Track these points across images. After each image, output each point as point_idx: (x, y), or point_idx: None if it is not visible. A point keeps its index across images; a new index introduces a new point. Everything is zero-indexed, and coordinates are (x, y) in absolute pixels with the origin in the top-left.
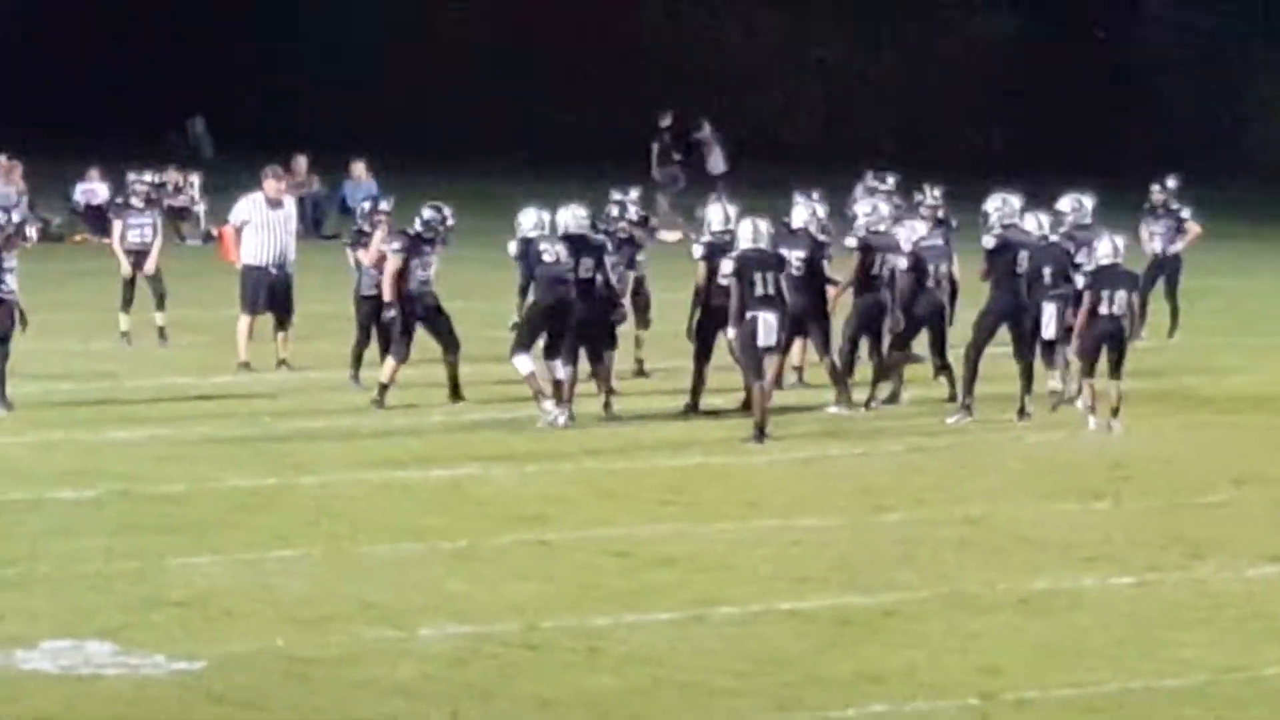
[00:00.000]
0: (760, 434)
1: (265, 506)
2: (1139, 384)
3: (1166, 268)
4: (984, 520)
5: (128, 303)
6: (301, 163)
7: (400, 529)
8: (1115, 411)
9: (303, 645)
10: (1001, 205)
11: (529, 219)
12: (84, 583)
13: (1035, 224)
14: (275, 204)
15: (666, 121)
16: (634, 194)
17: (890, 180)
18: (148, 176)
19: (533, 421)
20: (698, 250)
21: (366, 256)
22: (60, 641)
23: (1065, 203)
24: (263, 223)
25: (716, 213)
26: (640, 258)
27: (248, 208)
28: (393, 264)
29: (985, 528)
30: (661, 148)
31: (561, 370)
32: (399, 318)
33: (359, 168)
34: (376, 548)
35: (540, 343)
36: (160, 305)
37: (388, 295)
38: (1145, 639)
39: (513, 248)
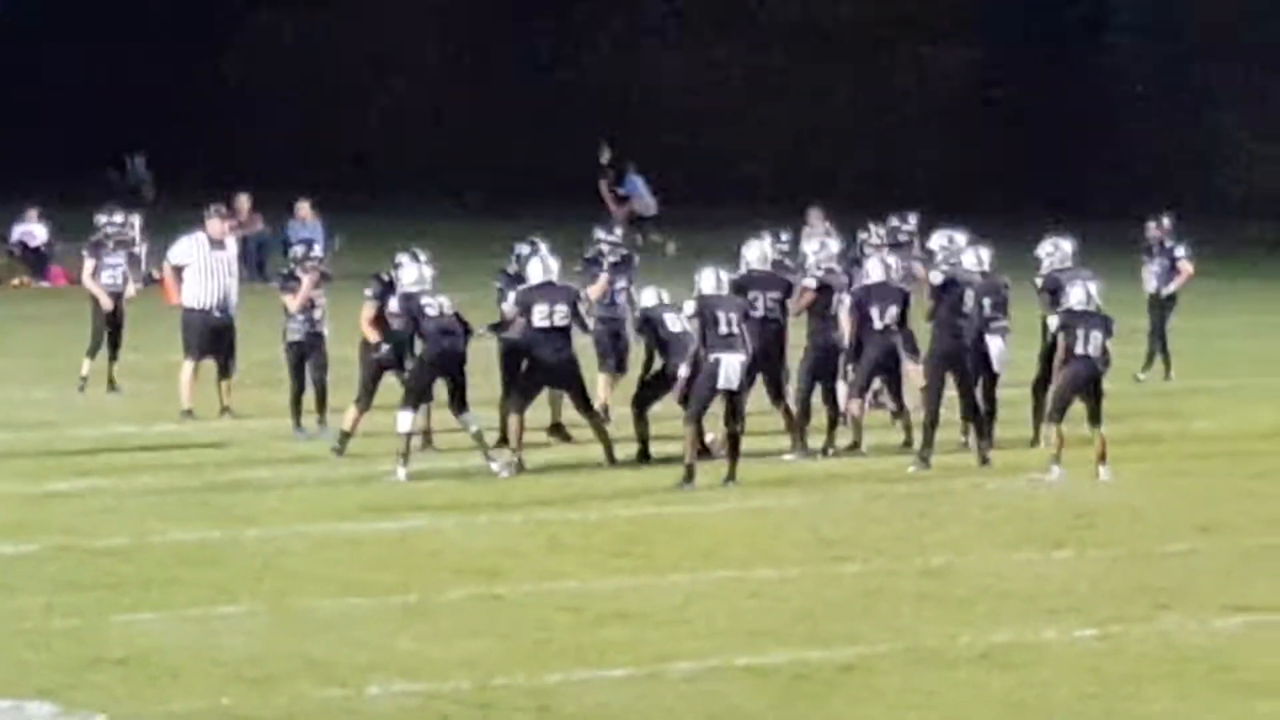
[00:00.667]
0: (689, 477)
1: (210, 561)
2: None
3: (1161, 308)
4: (945, 571)
5: (97, 347)
6: (244, 201)
7: (348, 583)
8: (1102, 457)
9: (248, 705)
10: (948, 243)
11: (410, 274)
12: (23, 640)
13: (974, 260)
14: (218, 244)
15: (606, 156)
16: (618, 232)
17: (913, 220)
18: (119, 218)
19: (481, 471)
20: (689, 307)
21: (294, 302)
22: (0, 702)
23: (1043, 247)
24: (205, 265)
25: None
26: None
27: (189, 248)
28: (367, 311)
29: (946, 579)
30: (609, 184)
31: (471, 423)
32: (372, 363)
33: (304, 208)
34: (323, 603)
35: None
36: (115, 354)
37: (372, 338)
38: (1110, 694)
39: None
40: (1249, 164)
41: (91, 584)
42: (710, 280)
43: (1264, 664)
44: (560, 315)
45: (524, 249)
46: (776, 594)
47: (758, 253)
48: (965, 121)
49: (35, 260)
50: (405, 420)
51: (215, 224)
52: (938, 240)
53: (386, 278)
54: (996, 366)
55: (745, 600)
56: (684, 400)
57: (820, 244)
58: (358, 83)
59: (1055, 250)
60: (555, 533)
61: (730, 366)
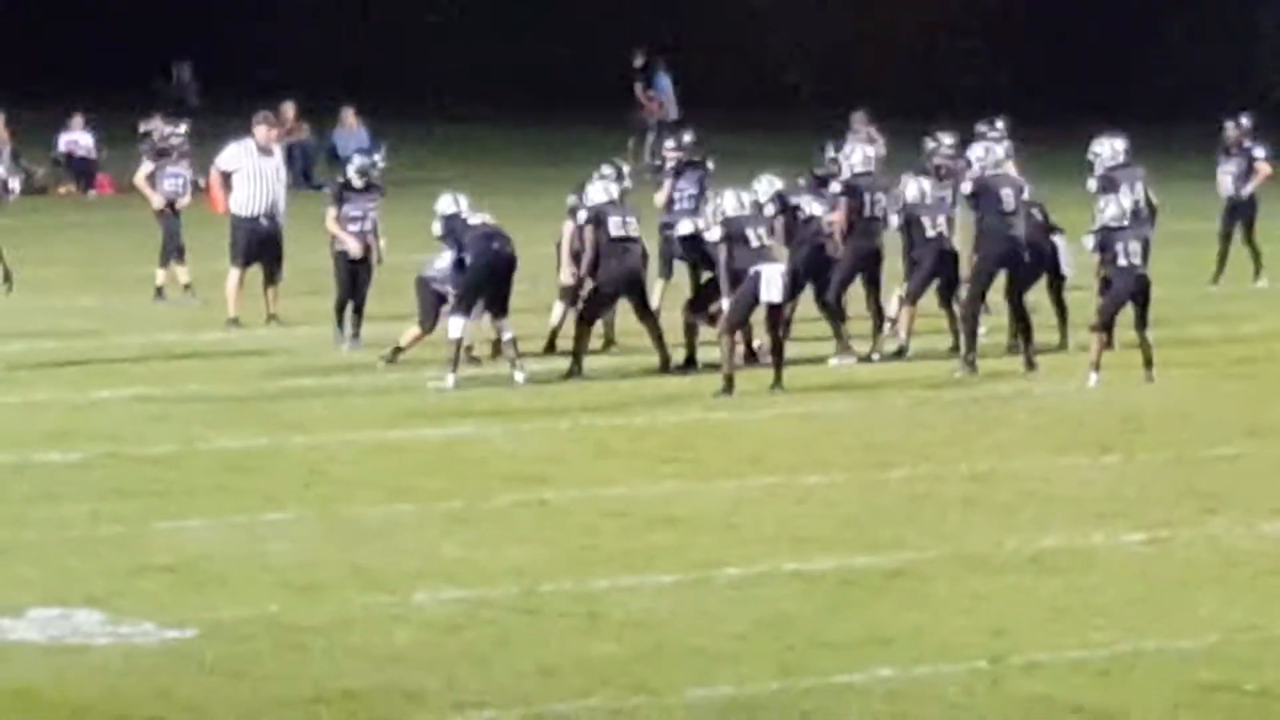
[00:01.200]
0: (729, 387)
1: (256, 469)
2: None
3: (1240, 210)
4: (991, 476)
5: (170, 254)
6: (289, 109)
7: (394, 490)
8: (1149, 362)
9: (295, 612)
10: (984, 154)
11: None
12: (70, 549)
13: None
14: (267, 152)
15: (640, 61)
16: (686, 139)
17: (1000, 125)
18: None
19: (530, 377)
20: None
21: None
22: (48, 610)
23: (1099, 145)
24: (254, 171)
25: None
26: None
27: (239, 154)
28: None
29: (992, 484)
30: (642, 87)
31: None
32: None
33: (349, 115)
34: (370, 510)
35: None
36: (182, 258)
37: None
38: (1158, 598)
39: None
40: None
41: (137, 491)
42: (732, 202)
43: None
44: (632, 226)
45: (608, 170)
46: (823, 500)
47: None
48: (1007, 28)
49: (82, 169)
50: (456, 326)
51: (263, 130)
52: (974, 152)
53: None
54: (1064, 269)
55: (792, 506)
56: (712, 320)
57: (858, 149)
58: None
59: (1107, 149)
60: (602, 438)
61: (772, 278)
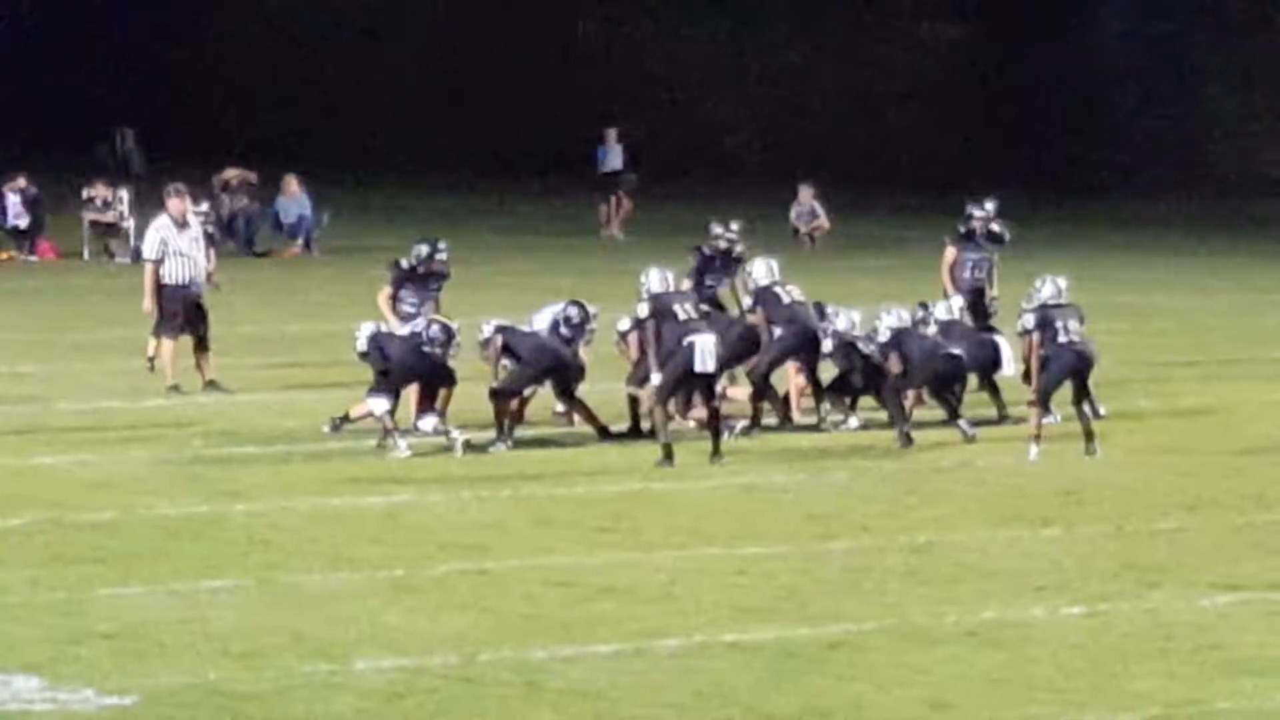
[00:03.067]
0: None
1: (197, 535)
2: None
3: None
4: (931, 548)
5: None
6: (230, 173)
7: (335, 558)
8: (1089, 435)
9: (235, 679)
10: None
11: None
12: (9, 614)
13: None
14: (182, 224)
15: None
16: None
17: (989, 206)
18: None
19: (466, 447)
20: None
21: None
22: None
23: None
24: (174, 247)
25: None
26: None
27: (155, 239)
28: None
29: (933, 556)
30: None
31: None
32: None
33: (292, 183)
34: (311, 578)
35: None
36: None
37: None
38: (1097, 671)
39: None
40: (1239, 141)
41: (78, 558)
42: (657, 279)
43: (1251, 641)
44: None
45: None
46: (763, 571)
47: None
48: (954, 98)
49: (21, 235)
50: (380, 404)
51: (175, 203)
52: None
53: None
54: (1006, 366)
55: (732, 577)
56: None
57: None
58: (348, 53)
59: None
60: (542, 508)
61: (704, 347)
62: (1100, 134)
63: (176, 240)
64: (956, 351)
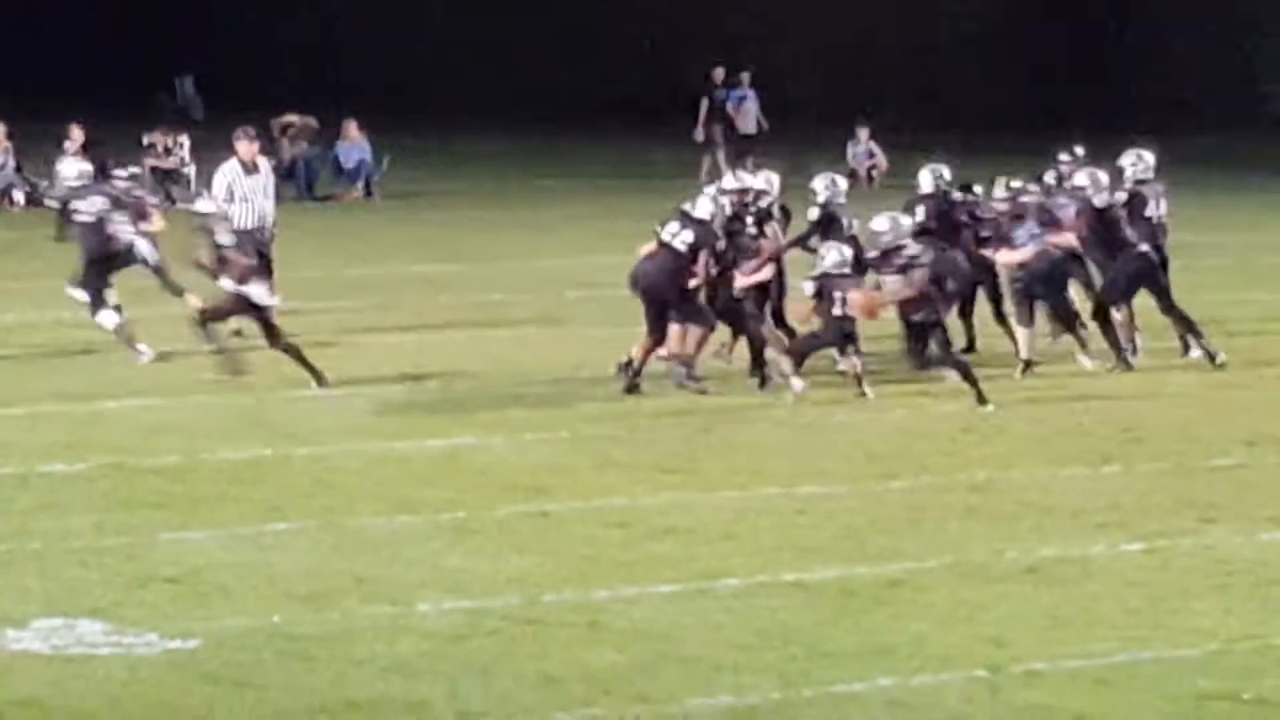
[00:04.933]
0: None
1: (260, 479)
2: (1150, 343)
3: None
4: (990, 486)
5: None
6: (290, 117)
7: (397, 501)
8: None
9: (298, 622)
10: (1136, 162)
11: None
12: (74, 559)
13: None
14: (251, 168)
15: (721, 76)
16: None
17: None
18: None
19: (530, 389)
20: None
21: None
22: (51, 620)
23: (1126, 157)
24: (240, 192)
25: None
26: None
27: (222, 181)
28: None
29: (992, 494)
30: (712, 105)
31: None
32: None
33: (352, 128)
34: (373, 521)
35: None
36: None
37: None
38: (1156, 607)
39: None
40: None
41: (141, 502)
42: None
43: None
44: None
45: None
46: (824, 510)
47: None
48: (1010, 40)
49: None
50: None
51: (244, 146)
52: (1126, 159)
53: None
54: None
55: (793, 517)
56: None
57: (830, 179)
58: (403, 5)
59: (1139, 161)
60: (603, 450)
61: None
62: (1156, 73)
63: (244, 184)
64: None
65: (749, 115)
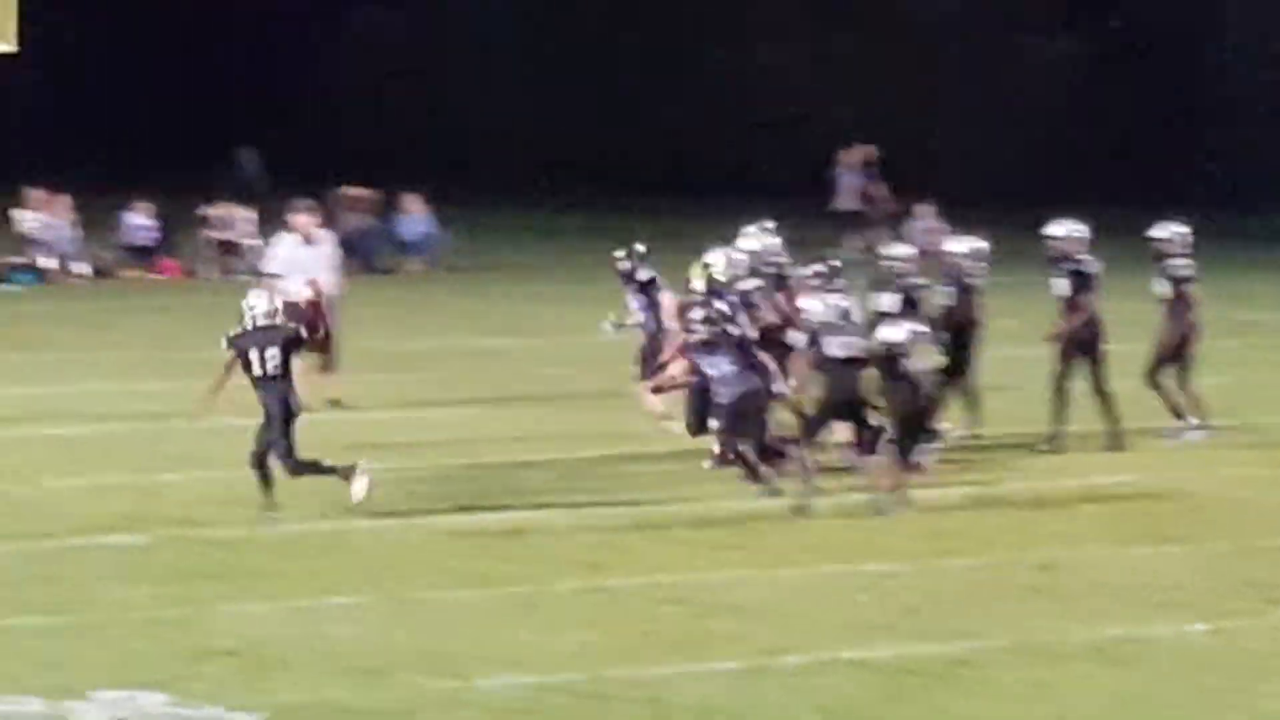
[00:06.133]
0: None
1: (320, 552)
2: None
3: None
4: (1055, 565)
5: None
6: (347, 191)
7: (457, 575)
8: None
9: (359, 696)
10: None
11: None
12: (134, 630)
13: None
14: (308, 240)
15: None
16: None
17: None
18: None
19: (590, 464)
20: None
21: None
22: (112, 692)
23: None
24: (296, 265)
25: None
26: None
27: (281, 254)
28: None
29: (1056, 573)
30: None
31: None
32: None
33: (413, 202)
34: (433, 594)
35: None
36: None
37: None
38: (1222, 689)
39: None
40: None
41: (201, 574)
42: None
43: None
44: None
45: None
46: (885, 588)
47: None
48: (1067, 114)
49: (143, 253)
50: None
51: (301, 219)
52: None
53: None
54: None
55: (855, 594)
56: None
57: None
58: (462, 77)
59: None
60: (662, 525)
61: None
62: (1227, 149)
63: (301, 257)
64: None
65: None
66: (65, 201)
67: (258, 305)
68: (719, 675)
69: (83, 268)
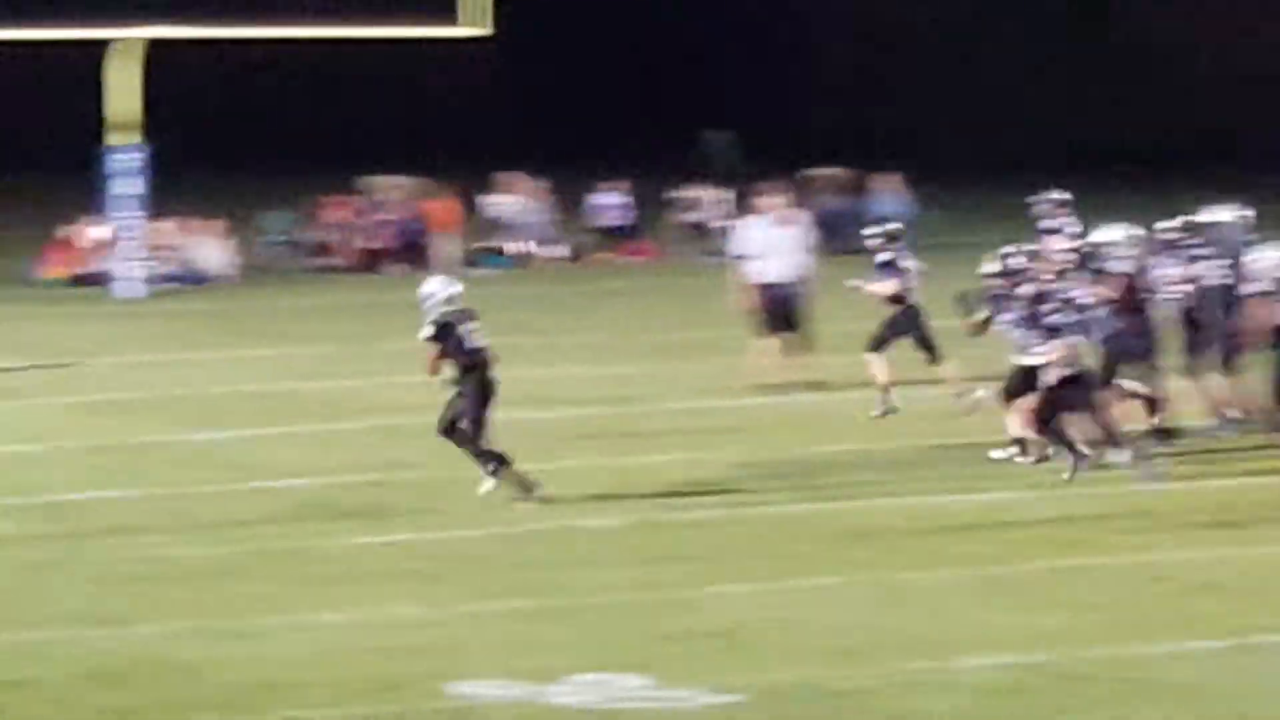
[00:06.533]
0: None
1: (795, 533)
2: None
3: None
4: None
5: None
6: (820, 174)
7: (932, 555)
8: None
9: (840, 676)
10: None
11: None
12: (612, 614)
13: None
14: (779, 223)
15: None
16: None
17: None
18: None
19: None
20: None
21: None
22: (590, 675)
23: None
24: (767, 244)
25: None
26: None
27: (750, 235)
28: None
29: None
30: None
31: None
32: None
33: (892, 180)
34: (911, 575)
35: None
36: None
37: None
38: None
39: None
40: None
41: (676, 556)
42: None
43: None
44: None
45: None
46: None
47: None
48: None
49: (617, 235)
50: None
51: (773, 200)
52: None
53: None
54: None
55: None
56: None
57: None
58: (950, 47)
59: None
60: (1145, 503)
61: None
62: None
63: (770, 239)
64: None
65: None
66: (539, 186)
67: None
68: (1200, 654)
69: (560, 251)
